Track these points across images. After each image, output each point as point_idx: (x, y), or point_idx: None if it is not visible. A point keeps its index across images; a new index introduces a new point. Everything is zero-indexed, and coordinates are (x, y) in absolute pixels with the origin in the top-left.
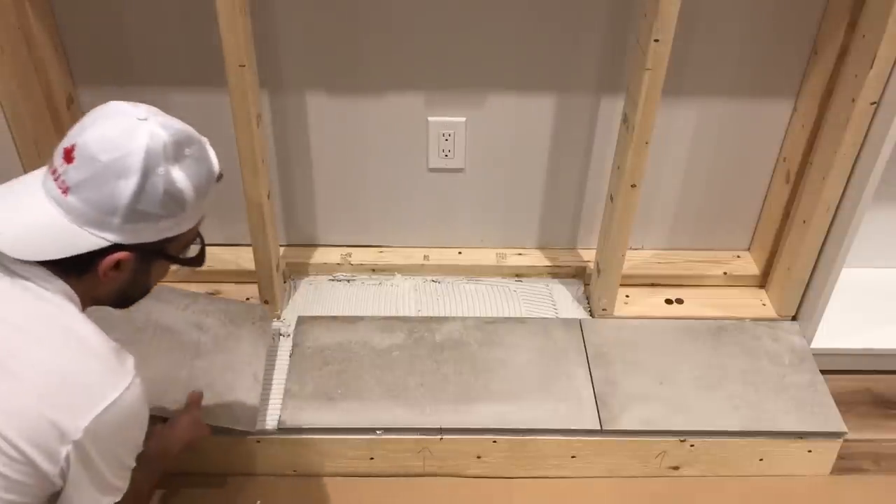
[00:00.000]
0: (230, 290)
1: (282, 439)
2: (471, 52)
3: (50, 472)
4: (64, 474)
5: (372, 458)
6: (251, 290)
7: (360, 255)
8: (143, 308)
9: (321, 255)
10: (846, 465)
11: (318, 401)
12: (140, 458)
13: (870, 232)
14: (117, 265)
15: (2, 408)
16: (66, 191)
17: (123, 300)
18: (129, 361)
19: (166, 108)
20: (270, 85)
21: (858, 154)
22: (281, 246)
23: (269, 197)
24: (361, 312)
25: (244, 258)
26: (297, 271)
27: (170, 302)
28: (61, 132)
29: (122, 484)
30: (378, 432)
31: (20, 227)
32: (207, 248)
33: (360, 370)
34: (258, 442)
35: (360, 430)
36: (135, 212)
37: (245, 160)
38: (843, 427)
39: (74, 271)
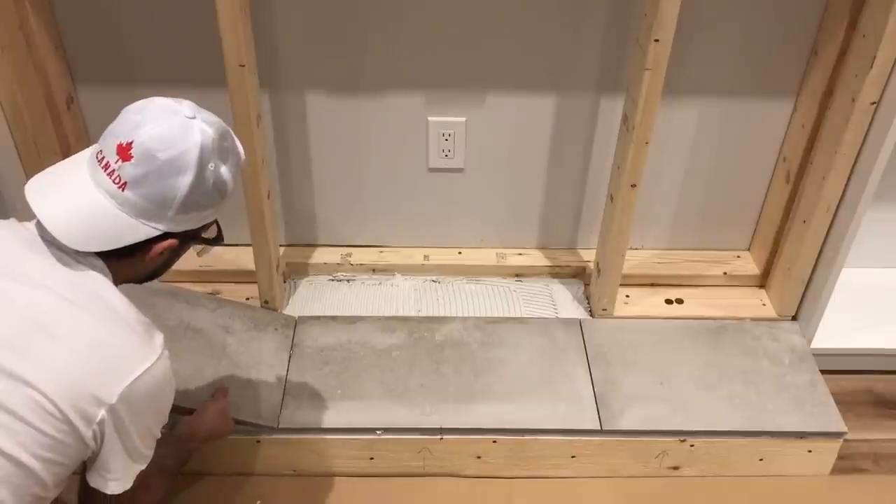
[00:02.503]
0: (230, 289)
1: (282, 439)
2: (471, 52)
3: (85, 434)
4: (96, 437)
5: (372, 458)
6: (251, 290)
7: (360, 255)
8: (175, 309)
9: (321, 255)
10: (846, 465)
11: (317, 401)
12: (169, 439)
13: (870, 232)
14: (162, 251)
15: (45, 368)
16: (122, 186)
17: (151, 278)
18: (159, 337)
19: None
20: (270, 85)
21: (858, 154)
22: (281, 246)
23: (269, 197)
24: (361, 312)
25: (244, 258)
26: (297, 271)
27: (200, 305)
28: (61, 132)
29: (149, 453)
30: (378, 432)
31: (75, 217)
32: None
33: (360, 370)
34: (258, 442)
35: (360, 430)
36: (187, 204)
37: (245, 160)
38: (843, 427)
39: (117, 255)
